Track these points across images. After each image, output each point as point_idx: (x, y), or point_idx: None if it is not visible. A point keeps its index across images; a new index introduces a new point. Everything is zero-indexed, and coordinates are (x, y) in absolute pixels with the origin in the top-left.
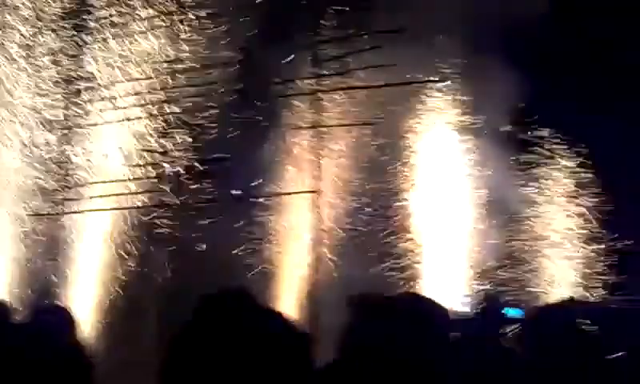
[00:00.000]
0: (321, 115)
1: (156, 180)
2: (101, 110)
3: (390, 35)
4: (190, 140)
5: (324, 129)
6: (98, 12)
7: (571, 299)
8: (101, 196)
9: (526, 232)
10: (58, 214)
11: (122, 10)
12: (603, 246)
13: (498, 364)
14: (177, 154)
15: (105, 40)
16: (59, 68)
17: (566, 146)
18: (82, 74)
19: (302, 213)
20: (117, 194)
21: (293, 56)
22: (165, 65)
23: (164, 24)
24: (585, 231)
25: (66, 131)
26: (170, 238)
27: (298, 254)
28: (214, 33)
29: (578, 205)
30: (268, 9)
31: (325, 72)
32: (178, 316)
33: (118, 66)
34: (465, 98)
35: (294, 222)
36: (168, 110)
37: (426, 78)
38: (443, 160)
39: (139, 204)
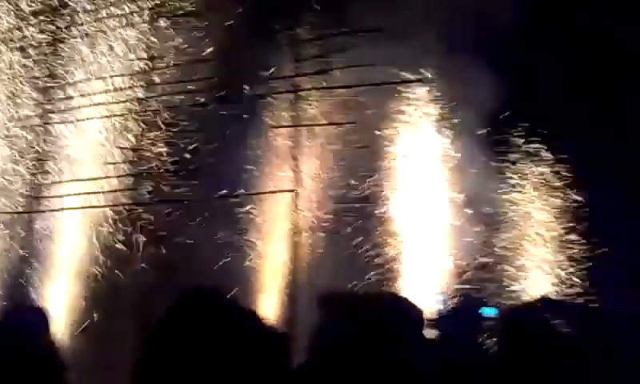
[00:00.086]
0: (300, 114)
1: (133, 178)
2: (77, 107)
3: (370, 35)
4: (168, 138)
5: (303, 128)
6: (74, 6)
7: (545, 298)
8: (77, 194)
9: (505, 232)
10: (31, 212)
11: (99, 3)
12: (583, 247)
13: (472, 363)
14: (154, 152)
15: (81, 36)
16: (33, 64)
17: (545, 146)
18: (57, 71)
19: (281, 212)
20: (93, 193)
21: (272, 55)
22: (143, 62)
23: (142, 20)
24: (564, 231)
25: (41, 128)
26: (147, 237)
27: (276, 254)
28: (192, 30)
29: (557, 205)
30: (247, 6)
31: (304, 71)
32: (154, 316)
33: (94, 63)
34: (444, 97)
35: (273, 221)
36: (145, 108)
37: (406, 78)
38: (422, 160)
39: (115, 203)
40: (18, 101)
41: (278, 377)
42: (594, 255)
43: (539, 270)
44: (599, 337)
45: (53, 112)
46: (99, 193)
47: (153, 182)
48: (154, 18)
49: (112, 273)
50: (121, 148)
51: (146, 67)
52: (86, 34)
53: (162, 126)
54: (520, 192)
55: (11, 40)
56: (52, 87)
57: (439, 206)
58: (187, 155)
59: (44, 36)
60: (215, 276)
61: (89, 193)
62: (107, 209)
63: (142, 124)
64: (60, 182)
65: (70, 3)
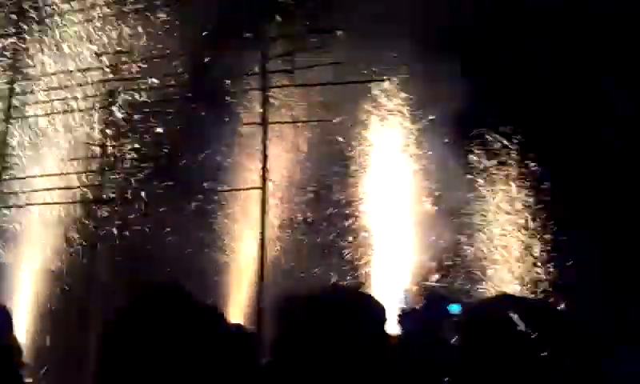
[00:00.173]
0: (269, 112)
1: (100, 174)
2: (44, 102)
3: (339, 34)
4: (137, 135)
5: (272, 126)
6: (44, 0)
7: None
8: (44, 189)
9: (472, 231)
10: None
11: None
12: (548, 246)
13: (435, 357)
14: (123, 148)
15: (50, 29)
16: (1, 58)
17: (515, 146)
18: (25, 65)
19: (250, 209)
20: (59, 188)
21: (242, 54)
22: (111, 57)
23: (111, 15)
24: (530, 231)
25: (5, 124)
26: (113, 233)
27: (244, 250)
28: (162, 27)
29: (524, 205)
30: (218, 6)
31: (273, 69)
32: (117, 314)
33: (62, 57)
34: (414, 97)
35: (241, 218)
36: (114, 103)
37: (374, 77)
38: (391, 159)
39: (82, 199)
40: None
41: (245, 375)
42: (558, 255)
43: (504, 269)
44: (560, 334)
45: (16, 107)
46: (65, 189)
47: (119, 178)
48: (122, 12)
49: (77, 269)
50: (87, 143)
51: (114, 63)
52: (55, 28)
53: (129, 122)
54: (488, 192)
55: None
56: (19, 81)
57: (407, 205)
58: (155, 152)
59: (11, 29)
60: (183, 273)
61: (54, 189)
62: (72, 205)
63: (108, 120)
64: (24, 178)
65: None
